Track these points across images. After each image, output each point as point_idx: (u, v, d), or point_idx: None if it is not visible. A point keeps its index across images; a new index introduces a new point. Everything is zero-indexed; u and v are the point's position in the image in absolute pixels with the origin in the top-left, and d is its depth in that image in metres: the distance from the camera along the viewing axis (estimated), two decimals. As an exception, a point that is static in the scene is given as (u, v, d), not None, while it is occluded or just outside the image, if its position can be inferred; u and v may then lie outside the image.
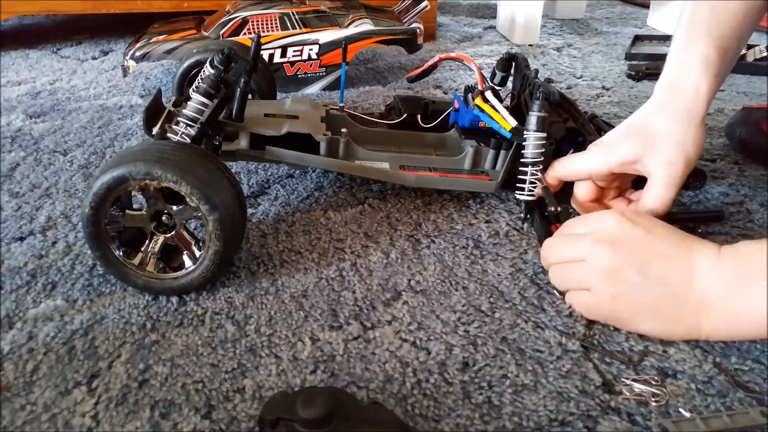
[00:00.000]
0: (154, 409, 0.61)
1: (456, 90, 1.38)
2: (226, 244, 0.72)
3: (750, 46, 1.59)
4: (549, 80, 0.99)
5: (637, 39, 1.79)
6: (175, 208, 0.73)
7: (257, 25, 1.33)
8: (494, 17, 2.06)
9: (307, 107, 0.98)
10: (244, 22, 1.33)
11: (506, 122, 0.88)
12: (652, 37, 1.83)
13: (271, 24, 1.34)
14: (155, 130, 0.82)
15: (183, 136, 0.80)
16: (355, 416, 0.52)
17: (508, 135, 0.88)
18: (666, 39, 1.77)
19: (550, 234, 0.83)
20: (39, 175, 1.02)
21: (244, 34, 1.33)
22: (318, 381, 0.65)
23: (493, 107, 0.90)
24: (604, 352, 0.68)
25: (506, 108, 0.91)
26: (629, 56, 1.67)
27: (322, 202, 0.95)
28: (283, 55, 1.35)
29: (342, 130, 0.92)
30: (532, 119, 0.85)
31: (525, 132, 0.86)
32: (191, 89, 0.84)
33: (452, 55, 0.99)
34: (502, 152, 0.94)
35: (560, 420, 0.60)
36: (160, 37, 1.35)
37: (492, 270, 0.80)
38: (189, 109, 0.80)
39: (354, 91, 1.43)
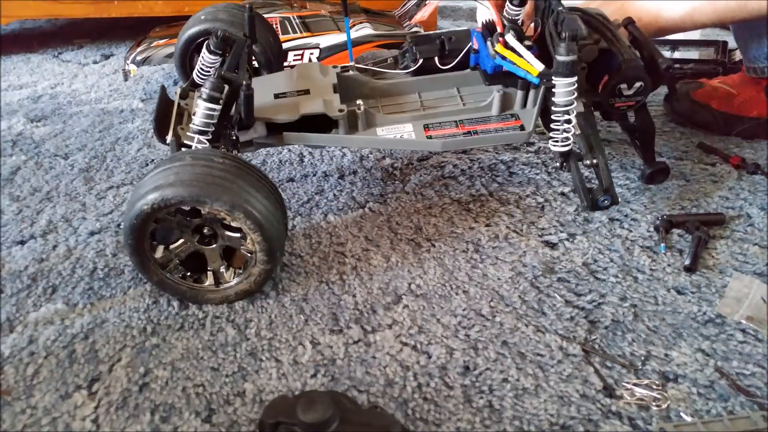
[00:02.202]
0: (155, 413, 0.61)
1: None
2: (273, 263, 0.72)
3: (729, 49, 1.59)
4: (575, 9, 0.90)
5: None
6: (229, 234, 0.72)
7: (258, 29, 1.34)
8: (494, 21, 2.06)
9: (316, 75, 0.92)
10: (245, 26, 1.34)
11: (532, 67, 0.81)
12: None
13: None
14: (169, 137, 0.80)
15: (200, 141, 0.77)
16: (355, 420, 0.52)
17: (536, 81, 0.82)
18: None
19: (585, 186, 0.83)
20: (40, 179, 1.03)
21: (245, 38, 1.33)
22: (318, 385, 0.65)
23: (516, 52, 0.82)
24: (605, 356, 0.68)
25: (529, 40, 0.83)
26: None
27: (322, 205, 0.95)
28: (284, 59, 1.35)
29: (357, 102, 0.86)
30: (560, 64, 0.78)
31: (554, 77, 0.79)
32: (195, 96, 0.83)
33: None
34: (532, 91, 0.87)
35: (561, 424, 0.60)
36: (161, 41, 1.35)
37: (492, 274, 0.80)
38: (198, 118, 0.77)
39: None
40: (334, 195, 0.98)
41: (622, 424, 0.60)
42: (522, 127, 0.87)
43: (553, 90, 0.80)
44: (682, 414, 0.61)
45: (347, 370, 0.66)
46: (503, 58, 0.82)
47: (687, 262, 0.80)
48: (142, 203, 0.66)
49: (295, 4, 1.42)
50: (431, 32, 1.09)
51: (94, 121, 1.24)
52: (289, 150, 1.08)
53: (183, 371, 0.66)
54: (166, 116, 0.84)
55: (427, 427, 0.60)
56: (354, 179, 1.01)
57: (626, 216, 0.91)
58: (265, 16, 1.35)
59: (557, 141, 0.83)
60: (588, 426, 0.60)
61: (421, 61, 0.94)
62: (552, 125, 0.83)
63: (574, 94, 0.79)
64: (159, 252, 0.72)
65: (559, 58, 0.77)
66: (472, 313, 0.74)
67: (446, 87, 0.95)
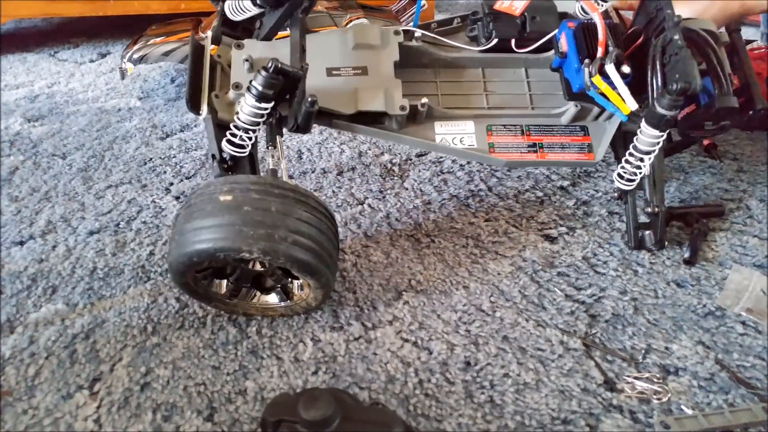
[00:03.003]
0: (157, 412, 0.61)
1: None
2: (326, 288, 0.69)
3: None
4: (688, 29, 0.74)
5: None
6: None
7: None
8: (492, 15, 2.05)
9: (375, 44, 0.80)
10: (242, 23, 1.33)
11: (625, 105, 0.71)
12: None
13: (269, 25, 1.33)
14: (203, 112, 0.70)
15: (242, 138, 0.70)
16: (357, 417, 0.53)
17: (624, 119, 0.74)
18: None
19: (638, 224, 0.81)
20: (38, 178, 1.02)
21: (242, 35, 1.33)
22: (320, 382, 0.65)
23: (612, 86, 0.71)
24: (605, 350, 0.68)
25: (626, 63, 0.71)
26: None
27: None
28: None
29: (422, 101, 0.76)
30: (656, 116, 0.69)
31: (642, 124, 0.73)
32: (245, 88, 0.68)
33: None
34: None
35: (562, 418, 0.60)
36: (158, 39, 1.35)
37: (492, 269, 0.80)
38: (245, 115, 0.68)
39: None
40: (333, 192, 0.98)
41: (623, 417, 0.60)
42: (590, 147, 0.80)
43: (638, 133, 0.74)
44: (682, 407, 0.61)
45: (348, 367, 0.66)
46: (595, 88, 0.72)
47: (687, 255, 0.81)
48: (189, 251, 0.60)
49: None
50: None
51: (91, 120, 1.24)
52: (288, 147, 1.08)
53: (184, 370, 0.66)
54: (200, 76, 0.72)
55: (429, 423, 0.60)
56: (352, 176, 1.01)
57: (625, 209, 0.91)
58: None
59: (622, 178, 0.79)
60: (589, 420, 0.60)
61: (495, 41, 0.82)
62: (624, 160, 0.77)
63: (659, 145, 0.73)
64: (223, 287, 0.71)
65: (658, 109, 0.69)
66: (472, 309, 0.74)
67: (514, 66, 0.85)
